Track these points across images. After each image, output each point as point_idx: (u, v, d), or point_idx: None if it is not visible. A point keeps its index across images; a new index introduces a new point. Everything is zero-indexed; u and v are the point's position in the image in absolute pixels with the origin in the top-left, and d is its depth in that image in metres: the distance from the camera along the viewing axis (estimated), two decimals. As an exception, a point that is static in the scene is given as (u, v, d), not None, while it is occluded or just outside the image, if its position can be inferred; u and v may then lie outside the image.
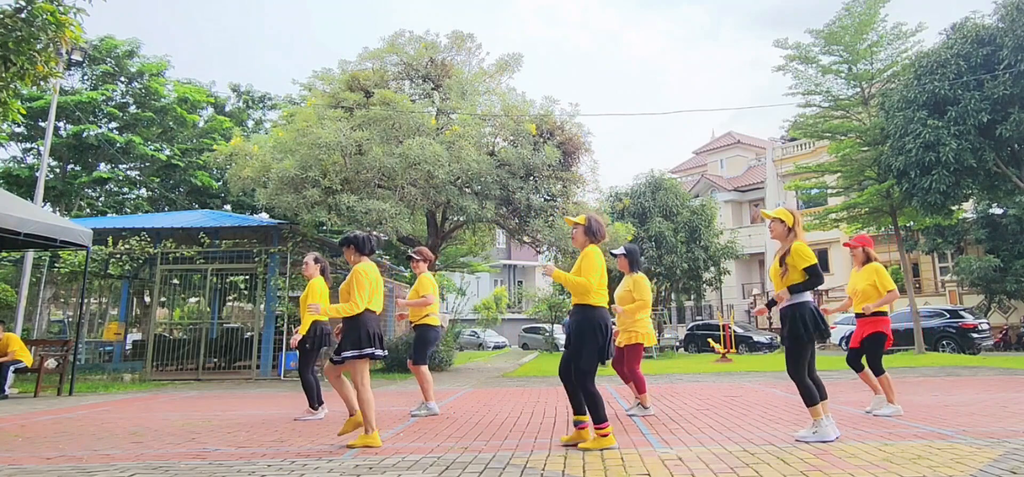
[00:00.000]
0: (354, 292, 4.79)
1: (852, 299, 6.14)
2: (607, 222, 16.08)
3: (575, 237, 4.76)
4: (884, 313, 5.91)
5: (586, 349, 4.42)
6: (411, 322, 6.92)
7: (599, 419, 4.38)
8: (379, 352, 4.82)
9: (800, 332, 4.53)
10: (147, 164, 22.07)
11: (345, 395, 5.08)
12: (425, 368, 6.69)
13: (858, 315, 6.04)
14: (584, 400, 4.44)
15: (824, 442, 4.41)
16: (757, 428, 5.25)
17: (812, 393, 4.53)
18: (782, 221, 4.77)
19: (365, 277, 4.85)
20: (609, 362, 4.88)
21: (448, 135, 13.67)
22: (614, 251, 6.53)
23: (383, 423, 6.04)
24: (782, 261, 4.69)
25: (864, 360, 6.04)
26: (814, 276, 4.58)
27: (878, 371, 5.90)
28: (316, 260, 6.54)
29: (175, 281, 15.61)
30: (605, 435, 4.41)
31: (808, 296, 4.64)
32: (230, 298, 20.33)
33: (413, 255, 6.96)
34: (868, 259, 6.07)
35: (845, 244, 6.43)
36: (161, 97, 22.30)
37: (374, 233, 5.24)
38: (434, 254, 15.94)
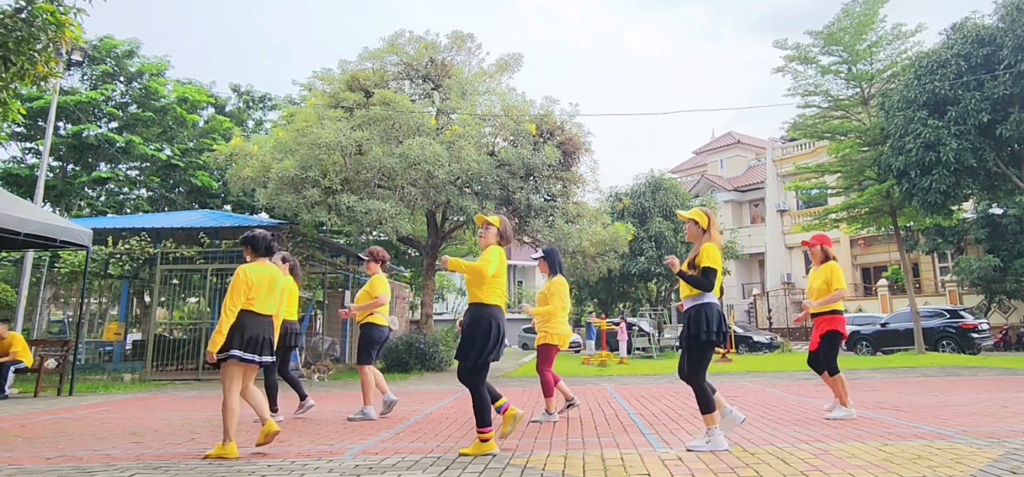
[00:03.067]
0: (228, 297, 4.45)
1: (809, 298, 6.08)
2: (607, 222, 16.09)
3: (485, 236, 4.68)
4: (839, 312, 5.86)
5: (475, 347, 4.36)
6: (357, 322, 6.71)
7: (482, 423, 4.30)
8: (255, 358, 4.51)
9: (701, 331, 4.35)
10: (147, 164, 22.07)
11: (256, 403, 4.72)
12: (369, 370, 6.45)
13: (813, 315, 5.97)
14: (472, 399, 4.34)
15: (717, 451, 4.24)
16: (757, 428, 5.25)
17: (708, 401, 4.37)
18: (696, 222, 4.64)
19: (243, 279, 4.51)
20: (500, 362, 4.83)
21: (448, 135, 13.67)
22: (533, 255, 6.52)
23: (383, 423, 6.04)
24: (692, 265, 4.52)
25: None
26: (707, 279, 4.41)
27: (833, 371, 5.81)
28: (284, 260, 6.47)
29: (175, 281, 15.60)
30: (486, 440, 4.31)
31: (713, 297, 4.48)
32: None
33: (363, 256, 6.84)
34: (826, 257, 6.01)
35: (803, 243, 6.38)
36: (161, 97, 22.30)
37: (274, 231, 4.86)
38: (434, 254, 15.95)
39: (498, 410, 4.87)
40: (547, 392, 6.06)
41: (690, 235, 4.72)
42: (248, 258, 4.78)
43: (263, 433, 4.53)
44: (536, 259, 6.41)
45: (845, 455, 4.04)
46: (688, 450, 4.41)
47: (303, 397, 6.74)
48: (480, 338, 4.37)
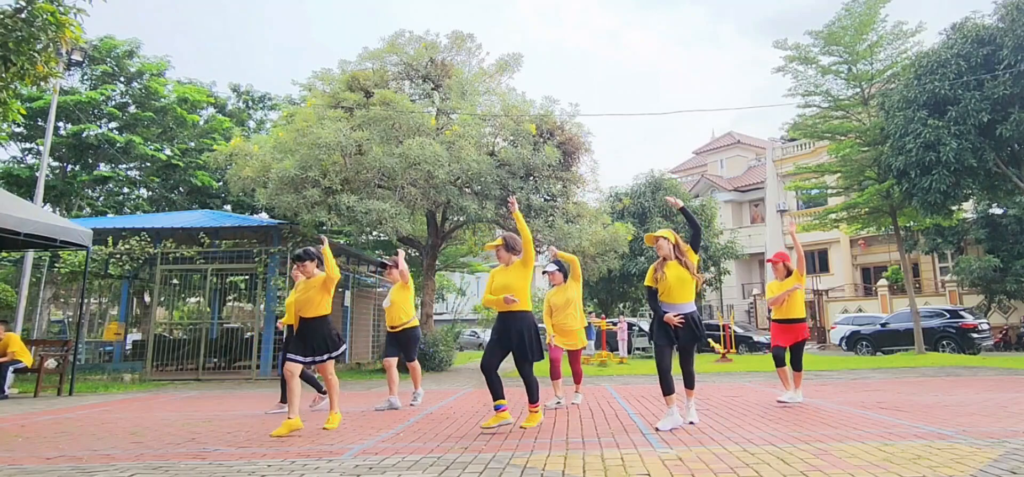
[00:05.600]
0: (328, 298, 5.60)
1: (772, 307, 6.92)
2: (607, 222, 16.09)
3: (500, 256, 5.50)
4: (802, 320, 6.77)
5: (535, 345, 5.26)
6: (393, 326, 7.30)
7: (534, 399, 5.33)
8: (334, 353, 5.68)
9: (700, 333, 5.31)
10: (147, 164, 22.06)
11: (296, 395, 5.45)
12: (416, 365, 7.46)
13: (775, 320, 6.87)
14: (527, 384, 5.30)
15: (693, 423, 5.26)
16: (757, 428, 5.25)
17: (693, 380, 5.39)
18: (668, 239, 5.39)
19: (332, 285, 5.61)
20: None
21: (448, 135, 13.67)
22: (547, 269, 7.13)
23: (385, 422, 6.05)
24: (689, 270, 5.33)
25: (788, 358, 6.91)
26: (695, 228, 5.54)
27: (798, 367, 6.84)
28: (317, 265, 6.75)
29: (175, 281, 15.61)
30: (535, 412, 5.34)
31: (692, 304, 5.38)
32: (230, 298, 20.33)
33: (389, 261, 7.50)
34: (788, 273, 6.83)
35: (768, 260, 7.25)
36: (161, 97, 22.29)
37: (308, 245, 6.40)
38: (434, 254, 15.95)
39: (496, 408, 5.31)
40: (576, 379, 7.06)
41: (663, 252, 5.40)
42: (316, 270, 5.76)
43: (289, 427, 5.30)
44: (550, 272, 7.05)
45: (845, 455, 4.04)
46: (689, 423, 5.25)
47: (324, 392, 7.32)
48: (535, 338, 5.27)
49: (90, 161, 21.61)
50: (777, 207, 33.96)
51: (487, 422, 5.33)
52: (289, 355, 5.50)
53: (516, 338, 5.21)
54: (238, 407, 7.79)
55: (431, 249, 15.77)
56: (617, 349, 18.71)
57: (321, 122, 12.93)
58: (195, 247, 13.65)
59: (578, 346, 6.94)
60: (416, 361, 7.44)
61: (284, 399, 7.10)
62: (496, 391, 5.29)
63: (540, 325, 5.70)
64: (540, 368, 6.70)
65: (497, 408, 5.28)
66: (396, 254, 7.63)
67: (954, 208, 17.74)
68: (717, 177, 39.87)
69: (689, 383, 5.39)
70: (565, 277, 6.93)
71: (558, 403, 6.80)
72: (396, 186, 13.13)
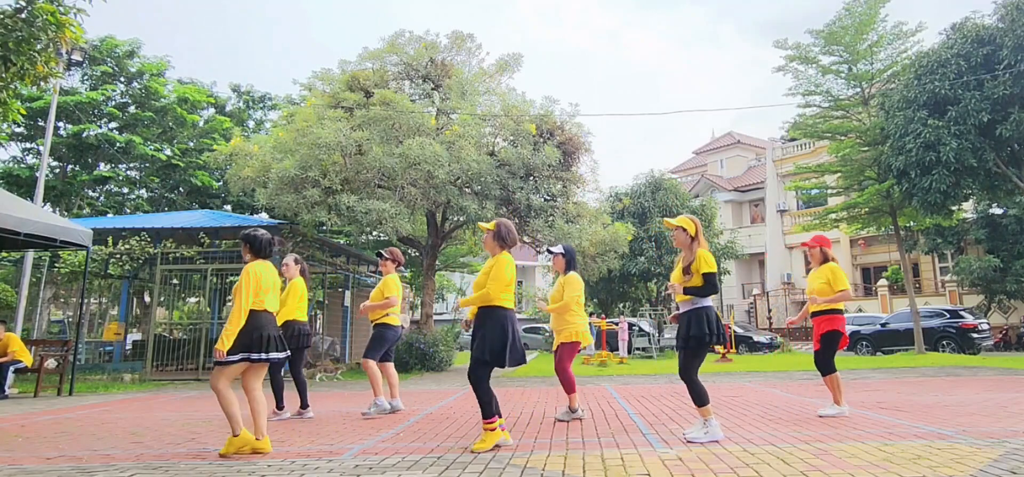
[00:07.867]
0: (239, 295, 4.51)
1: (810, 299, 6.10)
2: (607, 222, 16.08)
3: (486, 242, 4.88)
4: (839, 312, 5.89)
5: (487, 347, 4.52)
6: (371, 321, 6.90)
7: (487, 415, 4.50)
8: (267, 357, 4.55)
9: (704, 333, 4.64)
10: (147, 164, 22.06)
11: (257, 410, 4.66)
12: (374, 365, 6.64)
13: (814, 314, 5.99)
14: (475, 394, 4.52)
15: (714, 441, 4.55)
16: (757, 428, 5.25)
17: (703, 394, 4.66)
18: (684, 229, 4.87)
19: (252, 278, 4.55)
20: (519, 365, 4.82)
21: (448, 135, 13.67)
22: (552, 249, 6.50)
23: (384, 423, 6.05)
24: (687, 270, 4.77)
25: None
26: (710, 284, 4.70)
27: (827, 370, 5.86)
28: (296, 261, 6.64)
29: (175, 281, 15.59)
30: (492, 430, 4.51)
31: (709, 301, 4.76)
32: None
33: (383, 253, 7.00)
34: (825, 259, 6.04)
35: (803, 244, 6.49)
36: (161, 97, 22.30)
37: (273, 234, 5.07)
38: (434, 254, 15.95)
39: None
40: (569, 388, 5.99)
41: (678, 242, 4.93)
42: (248, 257, 4.79)
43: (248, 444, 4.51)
44: (554, 254, 6.38)
45: (845, 455, 4.04)
46: (687, 441, 4.63)
47: (305, 405, 6.74)
48: (491, 340, 4.54)
49: (90, 161, 21.62)
50: (777, 207, 33.96)
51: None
52: None
53: (475, 338, 4.66)
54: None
55: (431, 249, 15.77)
56: (617, 349, 18.70)
57: (321, 122, 12.93)
58: (195, 247, 13.64)
59: (565, 339, 6.07)
60: (370, 362, 6.60)
61: (305, 404, 6.69)
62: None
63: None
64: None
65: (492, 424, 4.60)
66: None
67: (954, 208, 17.72)
68: (717, 177, 39.86)
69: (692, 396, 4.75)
70: (568, 265, 6.22)
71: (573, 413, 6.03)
72: (396, 186, 13.13)
